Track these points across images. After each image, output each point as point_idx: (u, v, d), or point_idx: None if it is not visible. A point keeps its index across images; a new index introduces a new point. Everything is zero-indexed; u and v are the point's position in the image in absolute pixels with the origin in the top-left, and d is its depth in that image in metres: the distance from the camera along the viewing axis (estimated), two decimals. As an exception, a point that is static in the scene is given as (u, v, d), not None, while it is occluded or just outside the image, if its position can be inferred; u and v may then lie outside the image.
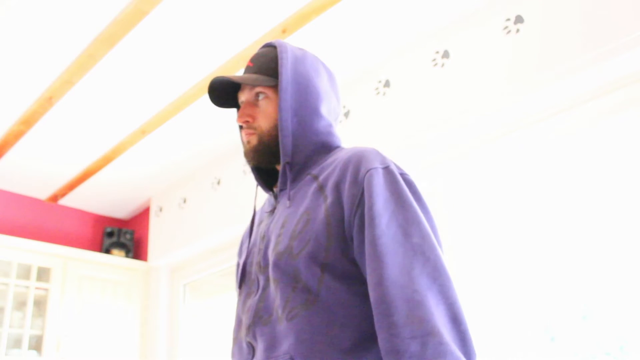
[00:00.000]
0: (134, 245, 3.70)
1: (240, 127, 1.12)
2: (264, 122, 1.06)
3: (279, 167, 1.09)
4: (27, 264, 2.95)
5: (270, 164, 1.08)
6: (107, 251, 3.48)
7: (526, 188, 2.05)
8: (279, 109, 1.03)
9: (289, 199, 1.02)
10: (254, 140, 1.05)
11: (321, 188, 0.98)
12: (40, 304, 2.98)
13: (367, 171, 0.94)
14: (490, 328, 1.99)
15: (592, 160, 1.92)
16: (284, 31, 2.20)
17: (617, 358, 1.71)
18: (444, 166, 2.25)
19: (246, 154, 1.07)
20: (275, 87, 1.07)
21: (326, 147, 1.08)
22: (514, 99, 1.95)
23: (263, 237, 1.03)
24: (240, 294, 1.05)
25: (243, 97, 1.09)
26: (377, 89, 2.46)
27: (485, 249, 2.10)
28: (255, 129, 1.06)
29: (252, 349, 0.96)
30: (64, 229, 3.56)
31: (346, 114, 2.56)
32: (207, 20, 2.14)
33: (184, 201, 3.31)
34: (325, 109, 1.10)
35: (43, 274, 3.01)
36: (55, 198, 3.51)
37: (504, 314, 1.98)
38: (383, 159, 0.98)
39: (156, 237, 3.44)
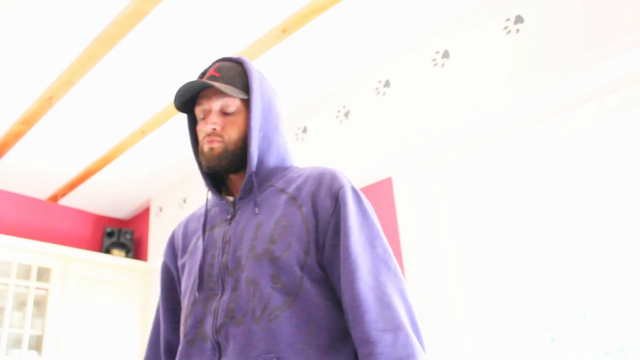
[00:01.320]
0: (134, 245, 3.70)
1: (191, 132, 1.18)
2: (232, 133, 1.10)
3: (233, 176, 1.14)
4: (27, 264, 2.95)
5: (225, 172, 1.12)
6: (107, 251, 3.48)
7: (526, 188, 2.05)
8: (251, 123, 1.08)
9: (256, 206, 1.08)
10: (220, 149, 1.09)
11: (293, 198, 1.06)
12: (40, 304, 2.98)
13: (341, 187, 1.05)
14: (491, 328, 1.99)
15: (592, 160, 1.92)
16: (284, 31, 2.20)
17: (617, 358, 1.71)
18: (444, 166, 2.25)
19: (208, 160, 1.09)
20: (243, 100, 1.12)
21: (284, 163, 1.16)
22: (514, 98, 1.95)
23: (229, 241, 1.06)
24: (196, 295, 1.06)
25: (208, 104, 1.10)
26: (377, 89, 2.46)
27: (485, 249, 2.10)
28: (222, 137, 1.09)
29: (218, 349, 0.98)
30: (64, 229, 3.56)
31: (346, 114, 2.56)
32: (207, 21, 2.14)
33: (184, 201, 3.31)
34: (282, 128, 1.18)
35: (43, 274, 3.01)
36: (55, 198, 3.51)
37: (504, 314, 1.98)
38: (349, 180, 1.10)
39: (156, 237, 3.44)
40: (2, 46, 2.19)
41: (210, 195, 1.16)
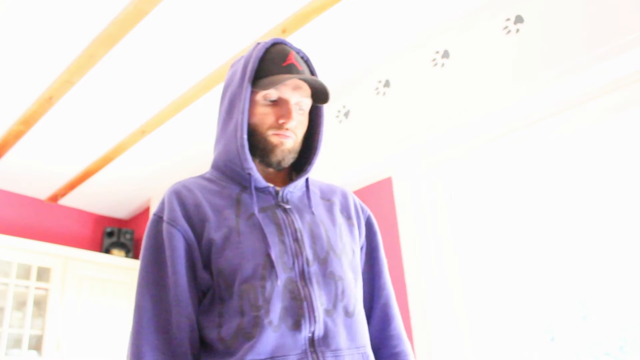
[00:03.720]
0: (134, 245, 3.70)
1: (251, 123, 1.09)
2: (300, 132, 1.10)
3: (271, 170, 1.11)
4: (27, 264, 2.95)
5: (277, 167, 1.10)
6: (107, 251, 3.48)
7: (527, 188, 2.05)
8: (321, 127, 1.14)
9: (310, 207, 1.11)
10: (290, 145, 1.08)
11: (335, 206, 1.17)
12: (40, 304, 2.98)
13: (369, 214, 1.22)
14: (491, 328, 1.99)
15: (592, 160, 1.92)
16: (284, 31, 2.20)
17: (617, 358, 1.71)
18: (444, 166, 2.25)
19: (278, 152, 1.06)
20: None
21: None
22: (514, 98, 1.95)
23: (299, 231, 1.05)
24: (276, 282, 0.98)
25: (295, 97, 1.07)
26: (377, 89, 2.46)
27: (486, 249, 2.10)
28: (295, 134, 1.08)
29: (312, 340, 0.95)
30: (64, 229, 3.56)
31: (346, 114, 2.56)
32: (207, 20, 2.14)
33: (184, 201, 3.31)
34: None
35: (43, 274, 3.01)
36: (55, 198, 3.51)
37: (504, 314, 1.98)
38: None
39: (156, 237, 3.43)
40: (2, 46, 2.19)
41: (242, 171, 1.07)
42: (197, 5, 2.06)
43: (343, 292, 1.02)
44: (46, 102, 2.53)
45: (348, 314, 1.02)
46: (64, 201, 3.58)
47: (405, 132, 2.26)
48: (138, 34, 2.17)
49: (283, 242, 1.02)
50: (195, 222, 1.02)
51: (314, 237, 1.05)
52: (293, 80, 1.05)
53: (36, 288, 2.95)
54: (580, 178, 1.93)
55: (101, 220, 3.80)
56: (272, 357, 0.92)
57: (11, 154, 2.97)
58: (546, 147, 2.01)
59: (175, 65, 2.39)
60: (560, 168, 1.98)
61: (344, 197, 1.20)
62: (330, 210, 1.14)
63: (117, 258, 3.35)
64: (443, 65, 2.21)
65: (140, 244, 3.66)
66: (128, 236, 3.58)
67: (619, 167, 1.84)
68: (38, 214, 3.47)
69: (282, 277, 0.98)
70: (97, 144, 2.96)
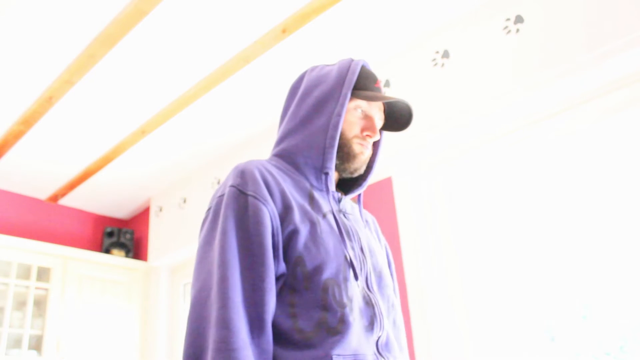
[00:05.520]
0: (134, 245, 3.70)
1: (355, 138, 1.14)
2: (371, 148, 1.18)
3: (336, 174, 1.17)
4: (27, 264, 2.95)
5: (350, 174, 1.15)
6: (107, 251, 3.48)
7: (526, 188, 2.05)
8: (379, 149, 1.21)
9: (364, 220, 1.18)
10: (367, 155, 1.15)
11: (372, 230, 1.25)
12: (40, 304, 2.98)
13: (387, 244, 1.28)
14: (491, 328, 1.99)
15: (592, 160, 1.92)
16: (284, 31, 2.20)
17: (617, 358, 1.71)
18: (445, 166, 2.25)
19: (357, 161, 1.13)
20: None
21: None
22: (514, 99, 1.95)
23: (362, 240, 1.10)
24: (357, 284, 1.00)
25: (378, 117, 1.16)
26: (377, 89, 2.46)
27: (486, 249, 2.10)
28: (371, 149, 1.16)
29: (377, 343, 0.99)
30: (64, 229, 3.56)
31: (346, 114, 2.56)
32: (207, 20, 2.14)
33: (184, 201, 3.31)
34: None
35: (43, 274, 3.01)
36: (55, 198, 3.51)
37: (504, 314, 1.98)
38: None
39: (156, 237, 3.44)
40: (2, 46, 2.19)
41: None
42: (197, 5, 2.06)
43: (393, 305, 1.08)
44: (46, 102, 2.53)
45: (396, 326, 1.08)
46: (64, 201, 3.58)
47: (405, 132, 2.26)
48: (138, 34, 2.17)
49: (353, 249, 1.05)
50: (280, 207, 0.98)
51: (371, 250, 1.11)
52: (380, 102, 1.14)
53: (36, 288, 2.95)
54: (580, 178, 1.93)
55: (101, 220, 3.80)
56: (355, 355, 0.92)
57: (11, 154, 2.97)
58: (546, 147, 2.01)
59: (175, 65, 2.39)
60: (560, 168, 1.98)
61: (373, 222, 1.27)
62: (368, 228, 1.21)
63: (117, 258, 3.35)
64: (443, 65, 2.21)
65: (140, 244, 3.68)
66: (128, 236, 3.58)
67: (619, 167, 1.84)
68: (38, 214, 3.47)
69: (358, 280, 1.01)
70: (97, 144, 2.96)
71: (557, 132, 1.97)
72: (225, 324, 0.85)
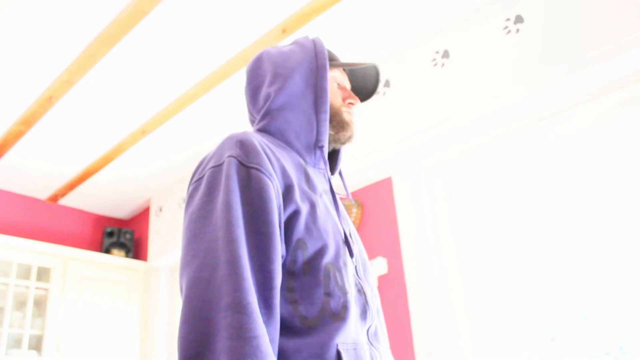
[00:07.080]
0: (134, 245, 3.70)
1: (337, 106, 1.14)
2: None
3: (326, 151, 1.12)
4: (27, 264, 2.95)
5: (344, 142, 1.15)
6: (107, 251, 3.48)
7: (526, 188, 2.05)
8: None
9: (337, 207, 1.06)
10: (355, 122, 1.17)
11: None
12: (40, 304, 2.98)
13: None
14: (491, 328, 1.99)
15: (592, 160, 1.92)
16: (284, 31, 2.20)
17: (617, 358, 1.71)
18: (444, 166, 2.25)
19: (350, 130, 1.14)
20: None
21: None
22: (514, 99, 1.95)
23: (351, 226, 1.09)
24: (351, 270, 0.96)
25: (349, 85, 1.20)
26: (377, 89, 2.46)
27: (486, 249, 2.10)
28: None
29: (372, 334, 0.98)
30: (64, 229, 3.56)
31: (346, 114, 2.56)
32: (207, 20, 2.14)
33: (184, 201, 3.31)
34: None
35: (43, 274, 3.01)
36: (55, 198, 3.51)
37: (504, 314, 1.98)
38: None
39: (156, 237, 3.44)
40: (2, 46, 2.19)
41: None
42: (197, 6, 2.06)
43: (375, 293, 1.05)
44: (46, 102, 2.53)
45: (379, 314, 1.05)
46: (64, 201, 3.58)
47: (405, 132, 2.26)
48: (138, 34, 2.17)
49: (347, 232, 1.00)
50: (282, 185, 0.90)
51: (353, 233, 1.09)
52: (345, 73, 1.18)
53: (36, 288, 2.95)
54: (580, 178, 1.93)
55: (101, 220, 3.80)
56: (354, 342, 0.87)
57: (11, 154, 2.97)
58: (546, 147, 2.01)
59: (175, 66, 2.39)
60: (560, 168, 1.98)
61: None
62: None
63: (117, 258, 3.35)
64: (443, 65, 2.21)
65: (140, 244, 3.68)
66: (128, 236, 3.58)
67: (619, 167, 1.84)
68: (38, 214, 3.47)
69: (352, 266, 0.98)
70: (97, 144, 2.96)
71: (557, 132, 1.97)
72: (241, 308, 0.74)
